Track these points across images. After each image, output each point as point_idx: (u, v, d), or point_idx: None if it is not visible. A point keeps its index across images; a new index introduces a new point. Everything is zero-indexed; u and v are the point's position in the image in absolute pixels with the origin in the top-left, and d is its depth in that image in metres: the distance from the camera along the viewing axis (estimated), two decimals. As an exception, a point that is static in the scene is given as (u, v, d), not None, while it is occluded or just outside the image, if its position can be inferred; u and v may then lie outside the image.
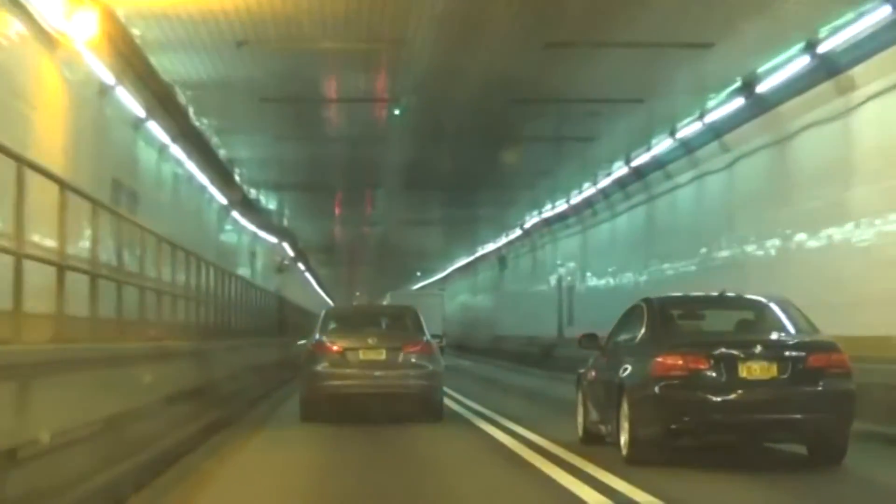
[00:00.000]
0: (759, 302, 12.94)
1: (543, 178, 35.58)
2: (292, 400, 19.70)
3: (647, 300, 12.95)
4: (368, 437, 15.33)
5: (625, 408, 11.92)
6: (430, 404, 16.98)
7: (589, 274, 38.67)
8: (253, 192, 37.76)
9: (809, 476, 11.45)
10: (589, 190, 35.50)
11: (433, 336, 18.57)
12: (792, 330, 12.20)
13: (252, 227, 41.59)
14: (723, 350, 11.47)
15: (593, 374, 13.79)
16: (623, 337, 13.12)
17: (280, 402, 21.86)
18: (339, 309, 24.91)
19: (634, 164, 29.93)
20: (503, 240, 53.43)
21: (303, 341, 22.44)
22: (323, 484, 11.26)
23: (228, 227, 36.39)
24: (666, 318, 12.55)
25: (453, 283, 76.45)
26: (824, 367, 11.43)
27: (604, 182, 33.54)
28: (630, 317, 13.28)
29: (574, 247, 40.90)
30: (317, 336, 17.56)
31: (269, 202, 41.47)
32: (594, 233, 37.99)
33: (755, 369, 11.36)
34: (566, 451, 12.87)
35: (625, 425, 11.91)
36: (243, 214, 37.82)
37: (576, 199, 37.50)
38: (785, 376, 11.34)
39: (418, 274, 77.15)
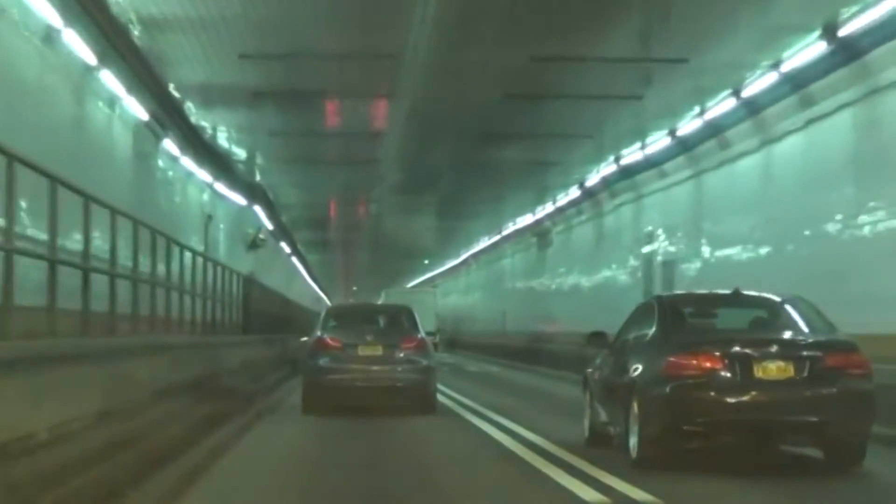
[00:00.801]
0: (774, 300, 12.53)
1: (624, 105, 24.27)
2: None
3: (658, 297, 12.59)
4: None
5: (635, 408, 11.52)
6: (425, 397, 18.02)
7: (704, 242, 26.37)
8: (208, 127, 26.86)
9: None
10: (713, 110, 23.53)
11: (427, 333, 19.68)
12: (808, 329, 11.80)
13: (207, 178, 29.93)
14: (737, 349, 11.07)
15: (601, 373, 13.39)
16: (633, 335, 12.72)
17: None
18: (339, 307, 25.76)
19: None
20: (540, 212, 42.09)
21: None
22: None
23: (160, 163, 24.74)
24: (678, 315, 12.14)
25: (466, 274, 68.94)
26: (843, 368, 11.02)
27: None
28: (640, 314, 12.88)
29: (675, 204, 28.61)
30: (318, 332, 18.68)
31: (238, 148, 29.98)
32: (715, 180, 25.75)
33: (771, 369, 10.96)
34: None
35: (634, 427, 11.52)
36: (194, 155, 26.93)
37: (686, 127, 25.47)
38: (802, 377, 10.94)
39: (426, 262, 71.86)
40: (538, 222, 44.13)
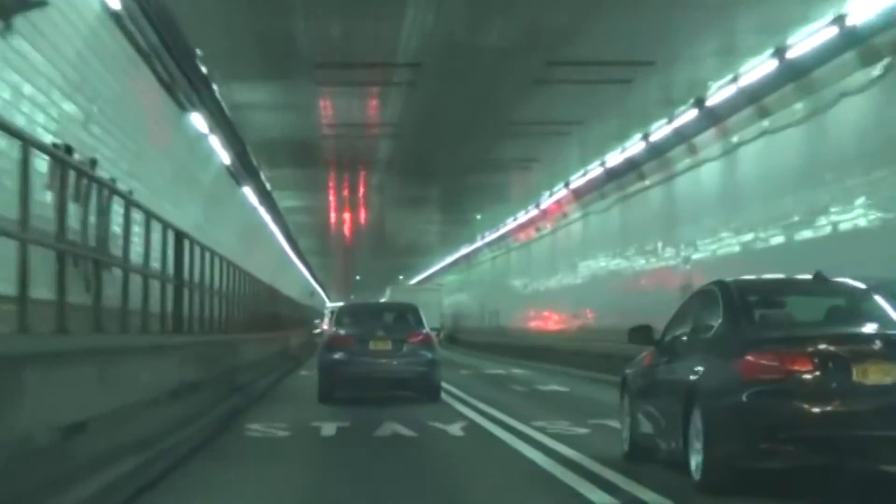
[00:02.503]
0: (862, 287, 10.27)
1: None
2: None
3: (720, 283, 10.31)
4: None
5: (697, 420, 9.32)
6: (430, 387, 19.51)
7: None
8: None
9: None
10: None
11: (431, 329, 21.66)
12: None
13: None
14: (830, 347, 8.86)
15: (646, 376, 11.20)
16: (689, 329, 10.52)
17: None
18: (351, 306, 27.20)
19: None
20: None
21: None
22: None
23: None
24: (749, 305, 9.91)
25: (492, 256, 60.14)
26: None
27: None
28: (697, 304, 10.67)
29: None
30: (333, 328, 20.87)
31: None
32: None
33: (873, 372, 8.74)
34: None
35: (697, 443, 9.32)
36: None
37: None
38: None
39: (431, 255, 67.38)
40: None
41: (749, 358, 8.92)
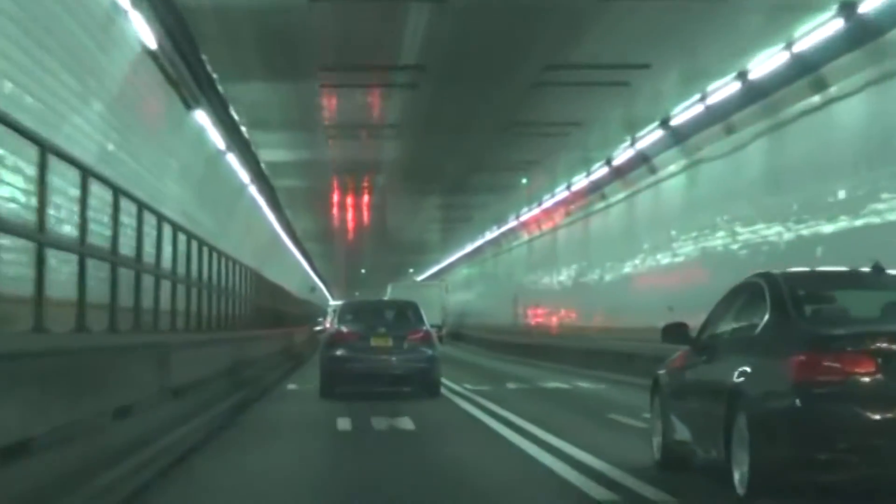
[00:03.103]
0: None
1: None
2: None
3: (767, 276, 9.35)
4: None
5: (742, 427, 8.37)
6: (430, 383, 19.83)
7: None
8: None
9: None
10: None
11: (433, 326, 22.21)
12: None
13: None
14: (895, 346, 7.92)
15: (682, 377, 10.25)
16: (731, 327, 9.57)
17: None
18: (353, 303, 25.80)
19: None
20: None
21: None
22: None
23: None
24: (799, 300, 8.93)
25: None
26: None
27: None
28: (740, 299, 9.69)
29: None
30: (335, 325, 21.19)
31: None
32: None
33: (945, 375, 7.81)
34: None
35: (741, 452, 8.37)
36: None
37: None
38: None
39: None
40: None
41: (802, 358, 7.97)
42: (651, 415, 10.97)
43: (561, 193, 39.43)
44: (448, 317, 64.33)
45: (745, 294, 9.56)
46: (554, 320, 43.70)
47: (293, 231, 53.96)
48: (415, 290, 58.58)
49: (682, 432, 9.99)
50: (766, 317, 8.80)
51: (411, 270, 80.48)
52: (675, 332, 10.26)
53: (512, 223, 49.25)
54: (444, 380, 21.16)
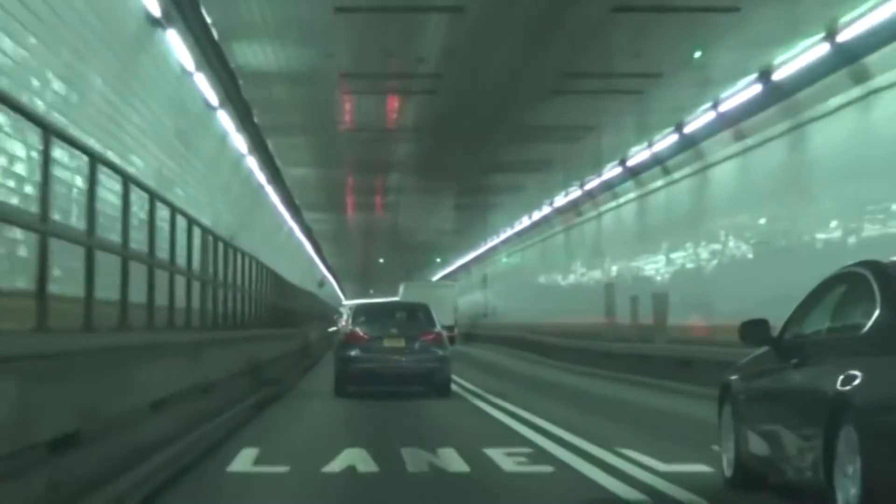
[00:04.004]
0: None
1: None
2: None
3: (873, 265, 8.03)
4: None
5: (850, 442, 7.04)
6: (440, 382, 20.52)
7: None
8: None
9: None
10: None
11: (446, 327, 23.62)
12: None
13: None
14: None
15: (762, 383, 8.95)
16: (825, 325, 8.25)
17: None
18: (366, 305, 26.09)
19: None
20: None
21: None
22: None
23: None
24: None
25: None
26: None
27: None
28: (835, 293, 8.37)
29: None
30: (350, 327, 21.52)
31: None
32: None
33: None
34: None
35: (846, 471, 7.06)
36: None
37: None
38: None
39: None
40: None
41: (932, 360, 6.67)
42: (720, 426, 9.67)
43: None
44: (488, 307, 61.33)
45: (843, 287, 8.24)
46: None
47: (308, 229, 53.04)
48: (427, 290, 57.53)
49: (761, 447, 8.69)
50: (876, 313, 7.48)
51: (439, 260, 77.77)
52: (756, 331, 8.95)
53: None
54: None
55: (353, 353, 20.57)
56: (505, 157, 34.86)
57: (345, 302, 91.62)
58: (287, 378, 23.81)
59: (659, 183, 34.02)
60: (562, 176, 39.79)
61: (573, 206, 44.07)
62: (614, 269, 39.81)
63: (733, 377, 9.53)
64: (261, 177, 33.57)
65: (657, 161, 32.97)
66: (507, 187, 42.85)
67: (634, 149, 33.84)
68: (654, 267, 34.96)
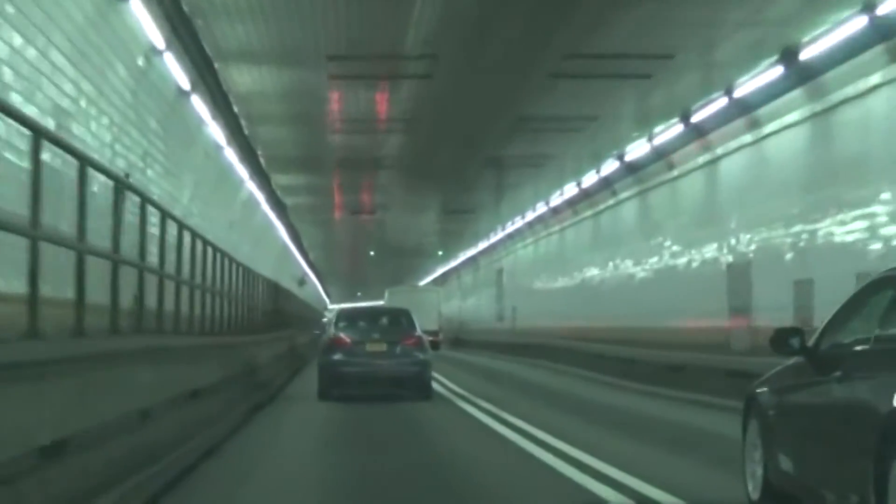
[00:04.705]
0: None
1: None
2: None
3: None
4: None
5: (908, 467, 6.25)
6: (421, 385, 20.96)
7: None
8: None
9: None
10: None
11: (430, 332, 23.71)
12: None
13: None
14: None
15: (795, 397, 8.15)
16: (871, 334, 7.44)
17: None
18: (349, 310, 26.55)
19: None
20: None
21: None
22: None
23: None
24: None
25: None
26: None
27: None
28: (880, 299, 7.55)
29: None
30: (332, 331, 21.80)
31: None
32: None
33: None
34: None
35: (903, 500, 6.26)
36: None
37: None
38: None
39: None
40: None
41: None
42: (745, 443, 8.88)
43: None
44: (504, 308, 56.10)
45: (891, 292, 7.44)
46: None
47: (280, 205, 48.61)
48: (412, 296, 56.83)
49: (795, 468, 7.90)
50: (934, 322, 6.68)
51: (440, 253, 73.95)
52: (789, 340, 8.14)
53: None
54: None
55: (336, 357, 20.89)
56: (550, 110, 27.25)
57: (330, 306, 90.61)
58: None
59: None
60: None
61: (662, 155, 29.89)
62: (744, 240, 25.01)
63: (760, 390, 8.73)
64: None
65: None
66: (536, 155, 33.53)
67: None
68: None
